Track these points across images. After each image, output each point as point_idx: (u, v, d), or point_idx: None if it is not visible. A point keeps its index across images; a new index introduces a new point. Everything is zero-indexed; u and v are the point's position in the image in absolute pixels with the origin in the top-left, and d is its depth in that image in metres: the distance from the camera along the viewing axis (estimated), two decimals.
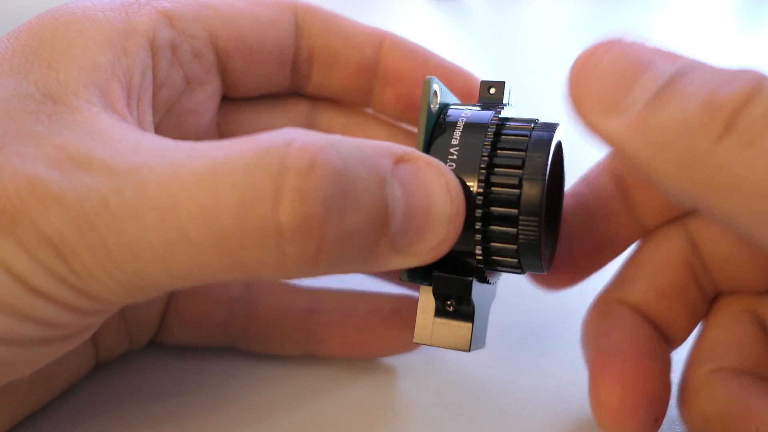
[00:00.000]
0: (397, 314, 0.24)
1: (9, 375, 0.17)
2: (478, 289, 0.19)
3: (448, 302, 0.19)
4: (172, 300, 0.24)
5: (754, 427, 0.18)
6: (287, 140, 0.15)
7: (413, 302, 0.23)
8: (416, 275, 0.19)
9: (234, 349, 0.25)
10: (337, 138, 0.16)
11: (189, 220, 0.15)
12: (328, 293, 0.25)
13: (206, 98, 0.22)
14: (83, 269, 0.15)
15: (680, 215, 0.21)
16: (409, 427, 0.22)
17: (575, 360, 0.24)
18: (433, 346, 0.19)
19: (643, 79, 0.15)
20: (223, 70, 0.22)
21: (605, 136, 0.16)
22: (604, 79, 0.16)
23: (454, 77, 0.23)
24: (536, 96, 0.42)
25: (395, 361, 0.25)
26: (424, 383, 0.24)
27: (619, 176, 0.22)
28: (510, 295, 0.27)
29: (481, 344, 0.20)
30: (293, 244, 0.15)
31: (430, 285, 0.19)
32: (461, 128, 0.19)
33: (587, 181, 0.22)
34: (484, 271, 0.19)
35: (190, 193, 0.15)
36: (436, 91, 0.19)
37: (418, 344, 0.24)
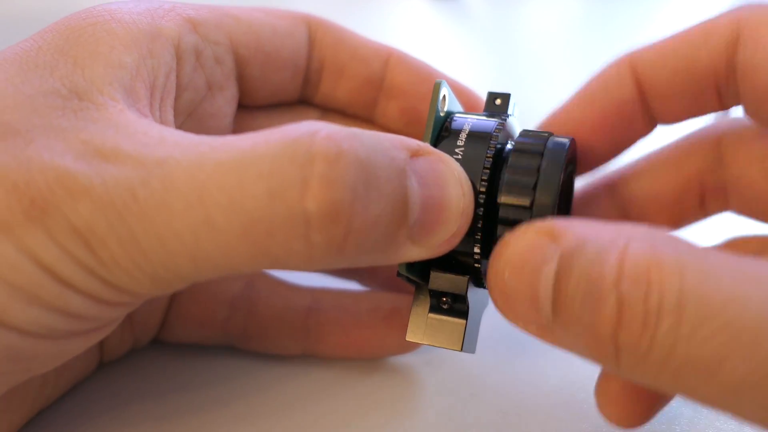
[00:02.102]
0: (397, 313, 0.24)
1: (34, 369, 0.17)
2: (473, 292, 0.19)
3: (444, 299, 0.19)
4: (174, 298, 0.24)
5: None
6: (312, 130, 0.15)
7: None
8: (414, 270, 0.19)
9: (235, 350, 0.25)
10: (357, 129, 0.16)
11: (216, 209, 0.15)
12: (328, 292, 0.25)
13: (225, 103, 0.22)
14: (111, 260, 0.15)
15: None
16: (409, 428, 0.22)
17: (575, 360, 0.24)
18: (425, 343, 0.20)
19: (538, 289, 0.15)
20: (241, 77, 0.22)
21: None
22: (513, 285, 0.16)
23: (457, 93, 0.24)
24: (536, 95, 0.42)
25: (395, 361, 0.25)
26: (424, 383, 0.24)
27: (640, 79, 0.21)
28: None
29: (472, 349, 0.20)
30: (320, 232, 0.15)
31: (425, 282, 0.19)
32: (466, 134, 0.19)
33: (605, 85, 0.22)
34: (481, 272, 0.19)
35: (217, 182, 0.15)
36: (445, 95, 0.20)
37: (415, 344, 0.24)
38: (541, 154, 0.19)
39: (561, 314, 0.15)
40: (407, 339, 0.20)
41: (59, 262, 0.15)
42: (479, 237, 0.18)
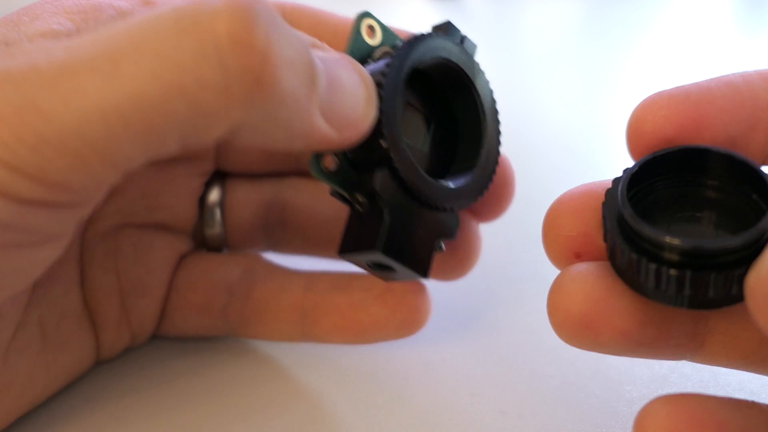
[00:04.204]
0: (390, 291, 0.24)
1: None
2: (418, 214, 0.20)
3: (360, 199, 0.19)
4: (172, 288, 0.24)
5: None
6: None
7: (405, 282, 0.23)
8: (337, 180, 0.19)
9: (233, 348, 0.25)
10: None
11: (120, 55, 0.15)
12: (323, 274, 0.25)
13: None
14: (12, 136, 0.15)
15: None
16: (409, 427, 0.22)
17: (575, 359, 0.24)
18: (354, 254, 0.20)
19: None
20: None
21: None
22: None
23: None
24: (536, 95, 0.41)
25: (394, 360, 0.25)
26: (423, 383, 0.24)
27: None
28: (510, 295, 0.27)
29: (421, 271, 0.20)
30: (234, 56, 0.15)
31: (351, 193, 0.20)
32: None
33: None
34: (395, 164, 0.19)
35: (123, 32, 0.15)
36: (371, 26, 0.21)
37: (413, 327, 0.24)
38: None
39: None
40: (339, 254, 0.20)
41: None
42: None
